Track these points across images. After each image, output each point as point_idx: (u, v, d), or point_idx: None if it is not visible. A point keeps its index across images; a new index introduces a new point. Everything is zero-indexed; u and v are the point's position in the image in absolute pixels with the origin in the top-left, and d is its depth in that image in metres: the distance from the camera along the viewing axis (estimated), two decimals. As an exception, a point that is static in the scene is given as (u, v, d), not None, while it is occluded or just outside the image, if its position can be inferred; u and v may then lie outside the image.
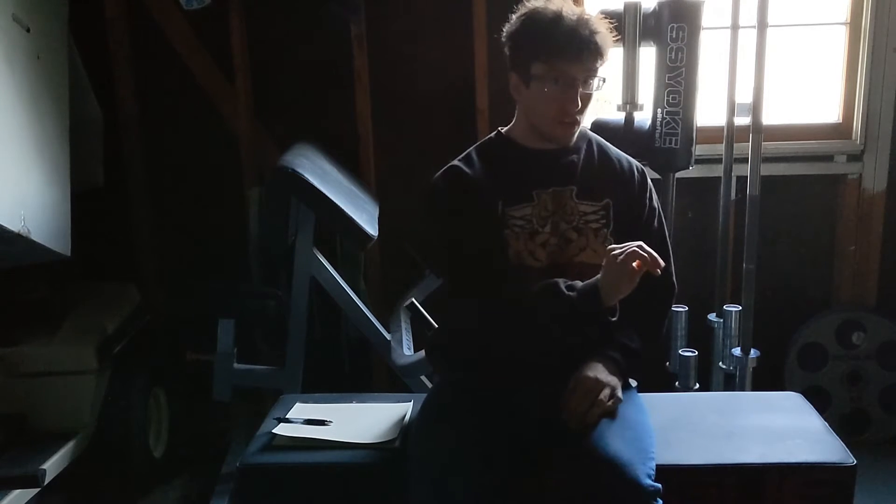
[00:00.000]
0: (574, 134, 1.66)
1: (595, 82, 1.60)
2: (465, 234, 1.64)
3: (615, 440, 1.49)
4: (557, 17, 1.57)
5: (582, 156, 1.71)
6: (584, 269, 1.63)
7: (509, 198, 1.65)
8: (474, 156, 1.73)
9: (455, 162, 1.72)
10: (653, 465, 1.50)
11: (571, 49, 1.55)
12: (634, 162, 1.77)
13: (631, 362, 1.66)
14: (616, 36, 1.63)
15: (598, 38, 1.56)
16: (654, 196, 1.75)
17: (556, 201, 1.66)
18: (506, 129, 1.75)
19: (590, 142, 1.75)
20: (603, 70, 1.61)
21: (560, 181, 1.67)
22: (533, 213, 1.65)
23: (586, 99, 1.61)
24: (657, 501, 1.44)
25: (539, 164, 1.69)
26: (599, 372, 1.58)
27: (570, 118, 1.62)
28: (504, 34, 1.65)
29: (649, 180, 1.75)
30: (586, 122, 1.74)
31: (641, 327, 1.69)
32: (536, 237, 1.65)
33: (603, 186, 1.69)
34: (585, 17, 1.58)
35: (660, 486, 1.46)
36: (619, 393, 1.58)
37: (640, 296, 1.68)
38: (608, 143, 1.79)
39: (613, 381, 1.58)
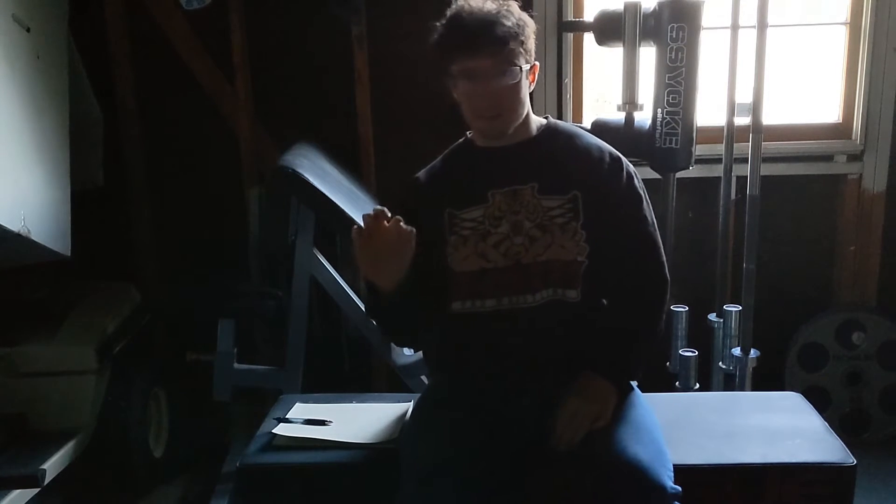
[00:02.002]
0: (505, 127, 1.62)
1: (512, 72, 1.55)
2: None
3: (633, 444, 1.48)
4: (457, 16, 1.57)
5: (543, 150, 1.67)
6: (552, 267, 1.61)
7: (459, 201, 1.63)
8: (439, 163, 1.75)
9: (422, 170, 1.74)
10: (671, 466, 1.50)
11: (471, 43, 1.54)
12: (608, 149, 1.70)
13: (627, 369, 1.65)
14: (533, 13, 1.61)
15: (499, 29, 1.53)
16: (636, 182, 1.68)
17: (516, 200, 1.62)
18: (472, 133, 1.74)
19: (557, 134, 1.70)
20: (521, 59, 1.57)
21: (519, 179, 1.64)
22: (485, 215, 1.63)
23: (505, 92, 1.57)
24: None
25: (496, 163, 1.67)
26: (587, 396, 1.55)
27: (487, 111, 1.59)
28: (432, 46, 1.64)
29: (626, 167, 1.68)
30: (587, 122, 1.74)
31: (638, 326, 1.67)
32: (488, 238, 1.62)
33: (569, 178, 1.63)
34: (486, 10, 1.55)
35: (680, 488, 1.46)
36: (608, 415, 1.55)
37: (632, 293, 1.67)
38: (584, 133, 1.74)
39: (599, 404, 1.55)
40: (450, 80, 1.61)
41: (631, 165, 1.70)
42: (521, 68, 1.57)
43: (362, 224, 1.50)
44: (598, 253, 1.62)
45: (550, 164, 1.66)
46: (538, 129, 1.69)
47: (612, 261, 1.64)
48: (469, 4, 1.58)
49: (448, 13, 1.60)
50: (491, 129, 1.63)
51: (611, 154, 1.69)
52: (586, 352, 1.62)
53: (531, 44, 1.60)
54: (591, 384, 1.58)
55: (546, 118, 1.74)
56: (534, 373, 1.62)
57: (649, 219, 1.69)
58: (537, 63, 1.64)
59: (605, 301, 1.69)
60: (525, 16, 1.59)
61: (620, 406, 1.59)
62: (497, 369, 1.64)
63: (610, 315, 1.68)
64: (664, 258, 1.70)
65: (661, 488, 1.44)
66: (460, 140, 1.76)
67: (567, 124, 1.78)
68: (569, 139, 1.70)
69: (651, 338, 1.69)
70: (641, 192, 1.69)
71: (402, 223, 1.50)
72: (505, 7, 1.57)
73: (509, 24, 1.54)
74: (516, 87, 1.58)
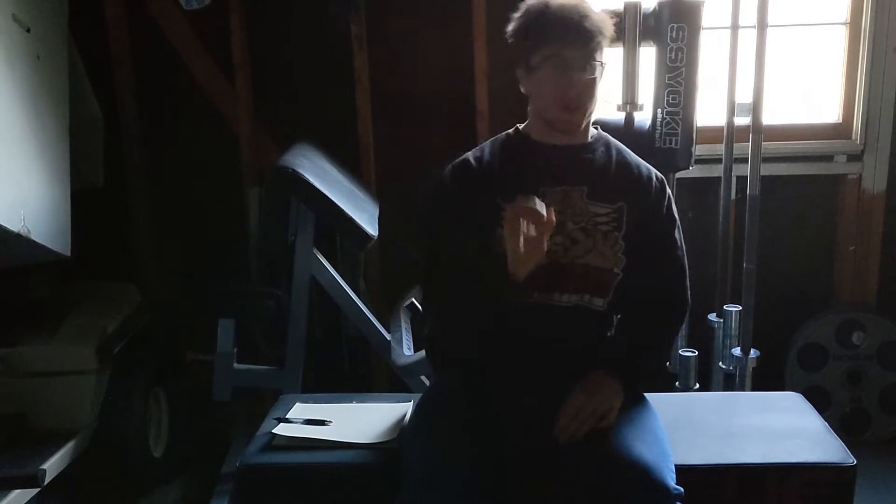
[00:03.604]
0: (580, 122, 1.65)
1: (593, 67, 1.59)
2: (457, 226, 1.63)
3: (637, 444, 1.49)
4: (546, 5, 1.60)
5: (597, 156, 1.70)
6: (589, 271, 1.62)
7: (510, 193, 1.63)
8: (487, 150, 1.74)
9: (467, 154, 1.73)
10: (673, 467, 1.50)
11: (562, 32, 1.57)
12: (654, 170, 1.75)
13: (636, 374, 1.66)
14: (614, 19, 1.64)
15: (589, 22, 1.57)
16: (673, 207, 1.73)
17: (565, 201, 1.64)
18: (523, 125, 1.75)
19: (608, 145, 1.74)
20: (601, 56, 1.60)
21: (572, 181, 1.66)
22: None
23: (587, 85, 1.60)
24: None
25: (551, 161, 1.68)
26: (594, 392, 1.56)
27: (572, 103, 1.61)
28: (508, 32, 1.67)
29: (668, 190, 1.73)
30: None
31: (653, 341, 1.70)
32: None
33: (618, 189, 1.67)
34: (574, 2, 1.59)
35: (682, 489, 1.46)
36: (614, 414, 1.55)
37: (653, 310, 1.70)
38: (628, 150, 1.77)
39: (606, 402, 1.55)
40: (525, 70, 1.63)
41: (669, 188, 1.74)
42: (602, 64, 1.60)
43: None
44: (632, 267, 1.64)
45: (601, 172, 1.69)
46: (591, 136, 1.72)
47: (639, 277, 1.66)
48: None
49: (531, 2, 1.63)
50: (568, 121, 1.65)
51: (657, 176, 1.74)
52: (599, 357, 1.64)
53: (607, 44, 1.63)
54: (600, 382, 1.59)
55: (597, 128, 1.76)
56: (546, 373, 1.62)
57: (679, 242, 1.74)
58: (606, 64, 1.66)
59: (622, 313, 1.71)
60: (606, 17, 1.63)
61: (626, 407, 1.59)
62: (512, 362, 1.64)
63: (628, 325, 1.71)
64: (688, 282, 1.75)
65: (665, 488, 1.44)
66: (510, 130, 1.77)
67: (613, 139, 1.79)
68: (619, 153, 1.74)
69: (664, 352, 1.74)
70: (676, 216, 1.74)
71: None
72: (588, 4, 1.61)
73: (597, 19, 1.59)
74: (594, 84, 1.61)
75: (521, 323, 1.63)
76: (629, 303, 1.69)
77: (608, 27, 1.62)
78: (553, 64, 1.58)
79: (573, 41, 1.57)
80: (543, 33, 1.59)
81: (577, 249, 1.63)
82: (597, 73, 1.60)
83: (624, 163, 1.72)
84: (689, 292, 1.75)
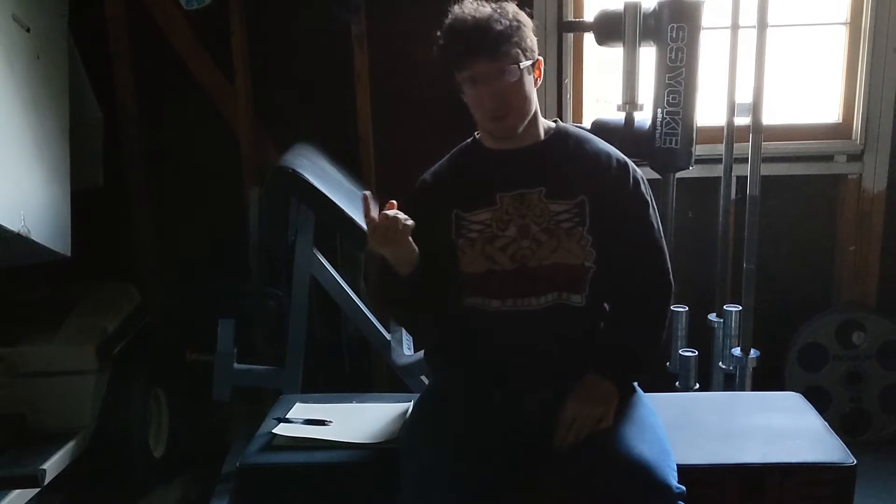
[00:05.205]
0: (516, 126, 1.62)
1: (512, 71, 1.56)
2: (418, 244, 1.61)
3: (638, 443, 1.49)
4: (452, 26, 1.59)
5: (553, 154, 1.68)
6: (558, 270, 1.61)
7: (468, 203, 1.64)
8: (446, 163, 1.75)
9: (426, 173, 1.74)
10: (675, 465, 1.50)
11: (464, 51, 1.56)
12: (616, 155, 1.70)
13: (630, 371, 1.66)
14: (528, 10, 1.63)
15: (496, 33, 1.54)
16: (643, 188, 1.69)
17: (523, 204, 1.63)
18: (480, 133, 1.74)
19: (566, 138, 1.71)
20: (523, 55, 1.58)
21: (528, 183, 1.64)
22: (493, 218, 1.63)
23: (510, 90, 1.58)
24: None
25: (505, 166, 1.67)
26: (588, 398, 1.56)
27: (497, 111, 1.60)
28: (434, 54, 1.65)
29: (634, 172, 1.69)
30: (587, 122, 1.74)
31: (641, 330, 1.68)
32: (496, 241, 1.62)
33: (576, 183, 1.64)
34: (478, 15, 1.57)
35: (684, 487, 1.47)
36: (611, 416, 1.55)
37: (636, 298, 1.68)
38: (593, 138, 1.74)
39: (601, 406, 1.55)
40: (458, 86, 1.62)
41: (638, 171, 1.71)
42: (519, 66, 1.57)
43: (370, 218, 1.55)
44: (605, 258, 1.62)
45: (559, 168, 1.66)
46: (546, 133, 1.70)
47: (617, 266, 1.64)
48: (463, 11, 1.58)
49: (445, 23, 1.61)
50: (501, 129, 1.64)
51: (618, 160, 1.69)
52: (590, 354, 1.63)
53: (530, 41, 1.60)
54: (594, 386, 1.59)
55: (555, 121, 1.74)
56: (537, 374, 1.63)
57: (655, 225, 1.69)
58: (541, 58, 1.64)
59: (606, 305, 1.69)
60: (521, 14, 1.60)
61: (624, 406, 1.59)
62: (501, 367, 1.64)
63: (614, 319, 1.69)
64: (669, 264, 1.71)
65: (667, 487, 1.44)
66: (468, 140, 1.76)
67: (576, 128, 1.78)
68: (577, 144, 1.71)
69: (654, 342, 1.69)
70: (648, 198, 1.69)
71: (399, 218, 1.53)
72: (498, 10, 1.58)
73: (501, 26, 1.55)
74: (519, 86, 1.59)
75: (505, 331, 1.63)
76: (612, 293, 1.67)
77: (521, 28, 1.58)
78: (469, 81, 1.58)
79: (479, 56, 1.55)
80: (453, 55, 1.58)
81: (542, 251, 1.61)
82: (518, 77, 1.57)
83: (583, 154, 1.69)
84: (670, 274, 1.70)
